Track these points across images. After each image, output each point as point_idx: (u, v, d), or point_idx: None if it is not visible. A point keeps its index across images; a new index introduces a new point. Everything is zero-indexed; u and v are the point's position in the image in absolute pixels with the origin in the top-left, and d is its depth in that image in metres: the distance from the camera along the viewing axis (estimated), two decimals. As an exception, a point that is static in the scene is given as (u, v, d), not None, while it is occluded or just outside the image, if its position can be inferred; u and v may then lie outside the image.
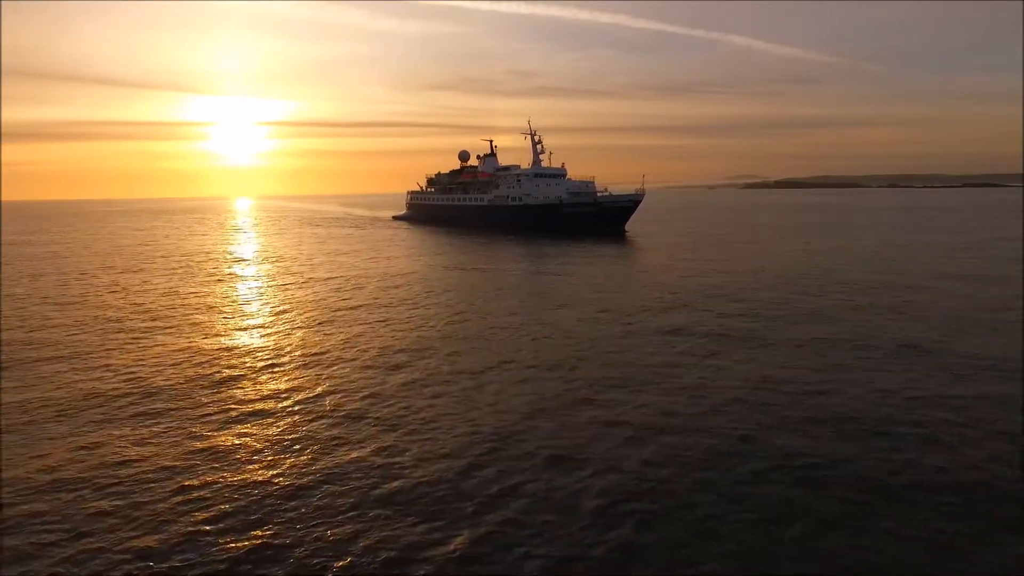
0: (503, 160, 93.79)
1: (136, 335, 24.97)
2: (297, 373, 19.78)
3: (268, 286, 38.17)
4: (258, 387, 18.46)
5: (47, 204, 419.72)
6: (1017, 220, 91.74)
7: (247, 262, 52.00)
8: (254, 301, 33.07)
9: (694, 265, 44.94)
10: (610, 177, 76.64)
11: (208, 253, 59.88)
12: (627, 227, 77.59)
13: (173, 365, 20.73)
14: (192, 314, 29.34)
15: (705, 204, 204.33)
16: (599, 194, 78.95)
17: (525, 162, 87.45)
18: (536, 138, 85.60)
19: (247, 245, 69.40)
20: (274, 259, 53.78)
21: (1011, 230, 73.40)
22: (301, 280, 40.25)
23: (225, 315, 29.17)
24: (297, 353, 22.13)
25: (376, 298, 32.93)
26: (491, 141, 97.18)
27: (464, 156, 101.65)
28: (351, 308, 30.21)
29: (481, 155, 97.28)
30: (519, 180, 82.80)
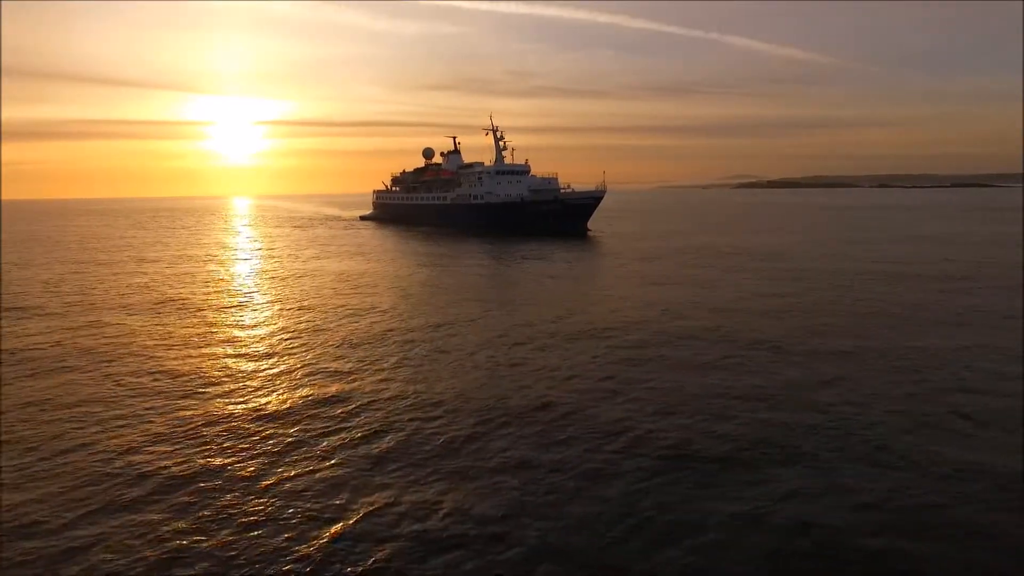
0: (476, 158, 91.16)
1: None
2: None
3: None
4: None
5: (46, 203, 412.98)
6: (955, 219, 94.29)
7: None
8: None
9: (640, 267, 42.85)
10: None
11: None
12: (590, 225, 75.20)
13: None
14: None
15: (685, 203, 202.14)
16: (562, 190, 76.68)
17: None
18: (499, 134, 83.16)
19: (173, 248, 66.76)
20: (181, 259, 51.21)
21: (925, 228, 75.83)
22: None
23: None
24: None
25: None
26: (454, 138, 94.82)
27: (428, 154, 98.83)
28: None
29: (445, 152, 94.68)
30: (481, 178, 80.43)
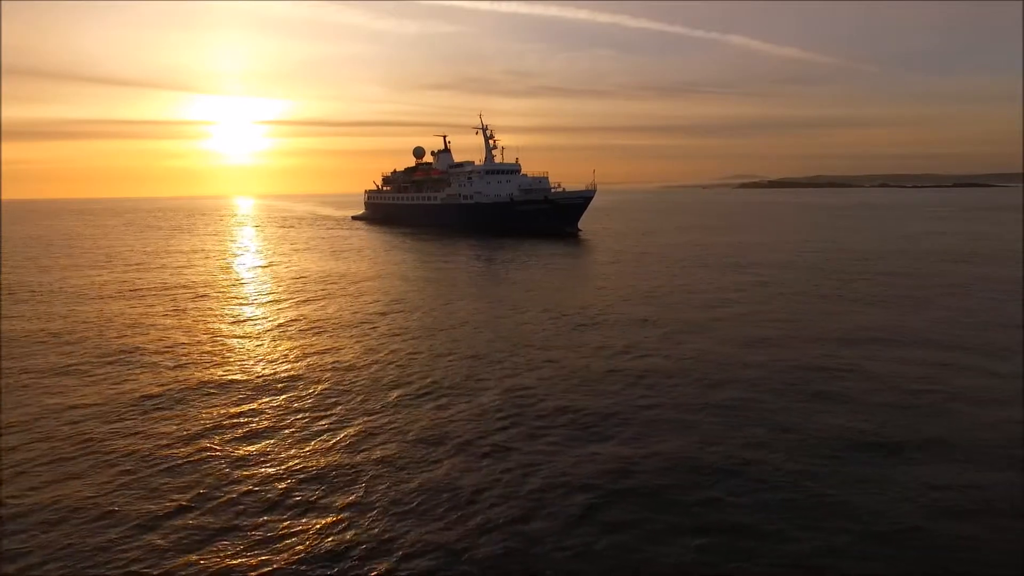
0: (470, 157, 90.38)
1: None
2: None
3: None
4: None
5: (46, 203, 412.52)
6: (955, 219, 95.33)
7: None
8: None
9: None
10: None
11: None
12: (581, 225, 74.33)
13: None
14: None
15: (685, 204, 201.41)
16: (553, 190, 75.80)
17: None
18: (488, 133, 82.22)
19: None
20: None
21: (923, 227, 76.80)
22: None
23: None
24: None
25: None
26: (445, 137, 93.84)
27: (419, 153, 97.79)
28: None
29: (435, 151, 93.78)
30: (471, 178, 79.56)
